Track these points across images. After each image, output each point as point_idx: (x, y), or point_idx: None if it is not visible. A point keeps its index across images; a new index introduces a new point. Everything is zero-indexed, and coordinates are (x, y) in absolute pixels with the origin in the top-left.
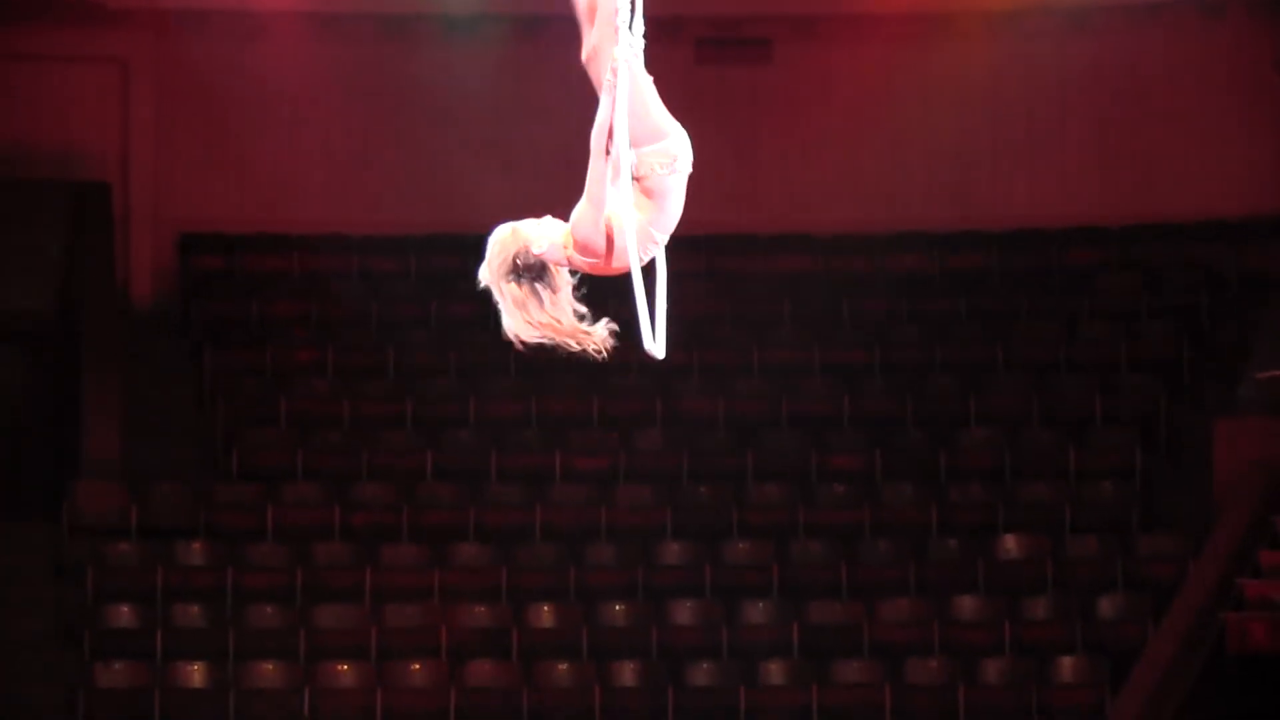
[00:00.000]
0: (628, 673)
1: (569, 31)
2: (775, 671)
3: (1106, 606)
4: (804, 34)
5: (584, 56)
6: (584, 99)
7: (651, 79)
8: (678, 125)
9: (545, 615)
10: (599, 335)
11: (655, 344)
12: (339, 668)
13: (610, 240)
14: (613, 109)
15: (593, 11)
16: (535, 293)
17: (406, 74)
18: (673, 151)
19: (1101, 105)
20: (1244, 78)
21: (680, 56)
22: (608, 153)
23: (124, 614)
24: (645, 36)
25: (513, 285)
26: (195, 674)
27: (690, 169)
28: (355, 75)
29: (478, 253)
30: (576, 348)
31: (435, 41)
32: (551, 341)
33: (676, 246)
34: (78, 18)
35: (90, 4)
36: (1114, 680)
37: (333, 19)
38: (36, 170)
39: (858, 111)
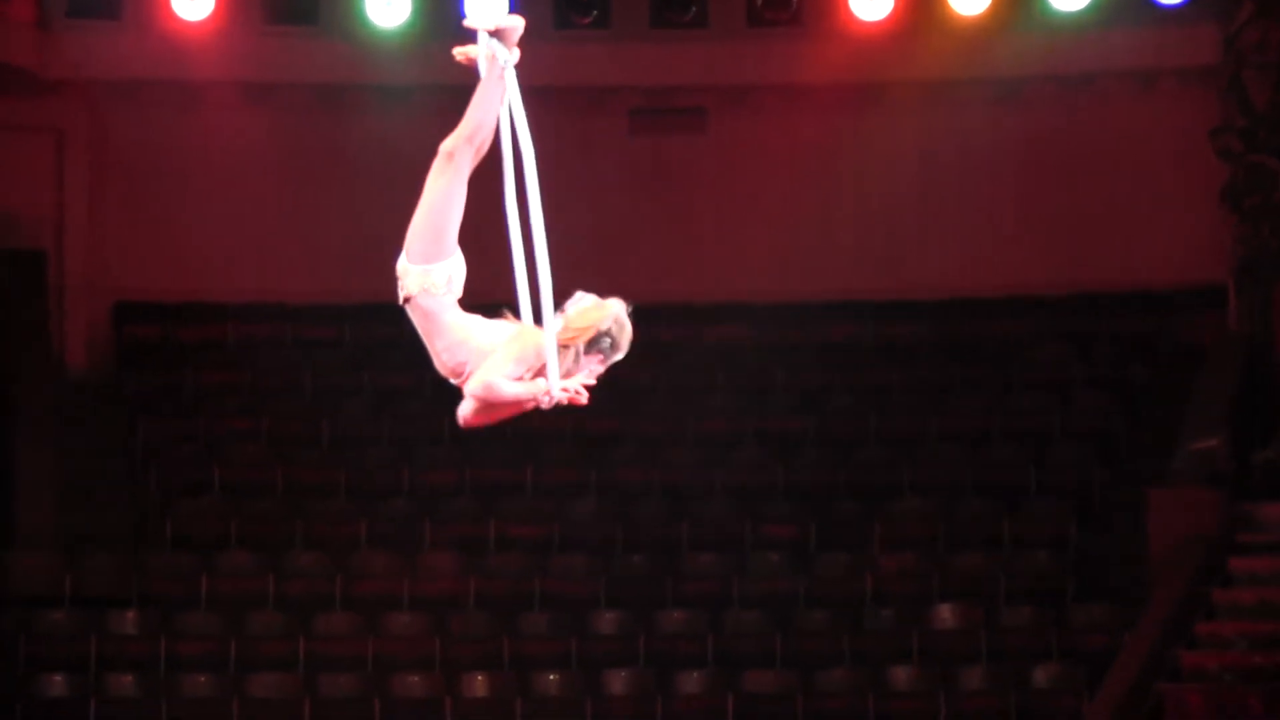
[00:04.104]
0: None
1: None
2: None
3: (1041, 676)
4: (738, 104)
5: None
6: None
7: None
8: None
9: (479, 685)
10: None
11: None
12: None
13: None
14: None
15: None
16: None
17: (341, 143)
18: (447, 273)
19: (1034, 175)
20: (1176, 148)
21: (614, 127)
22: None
23: (56, 683)
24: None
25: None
26: None
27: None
28: (290, 144)
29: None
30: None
31: (370, 111)
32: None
33: None
34: (12, 87)
35: (25, 73)
36: None
37: (267, 89)
38: None
39: (792, 181)
